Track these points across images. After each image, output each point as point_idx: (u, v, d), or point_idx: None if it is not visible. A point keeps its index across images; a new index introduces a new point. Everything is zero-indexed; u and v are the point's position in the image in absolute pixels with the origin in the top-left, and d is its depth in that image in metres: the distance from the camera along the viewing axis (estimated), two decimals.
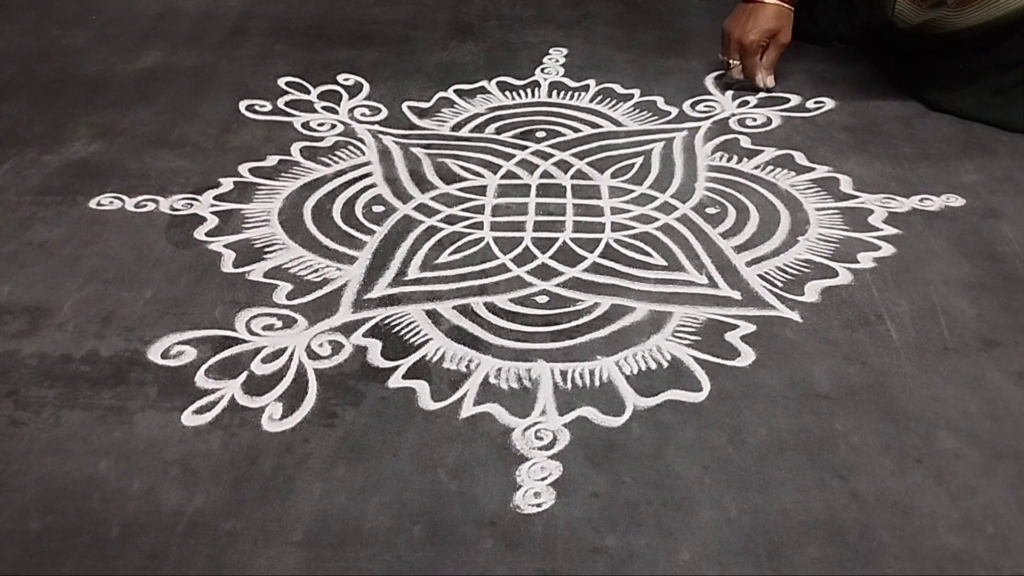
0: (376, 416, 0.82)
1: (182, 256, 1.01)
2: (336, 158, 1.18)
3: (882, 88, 1.30)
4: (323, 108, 1.28)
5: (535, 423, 0.81)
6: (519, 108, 1.28)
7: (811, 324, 0.91)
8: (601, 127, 1.24)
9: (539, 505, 0.74)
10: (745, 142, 1.20)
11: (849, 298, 0.94)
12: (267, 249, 1.02)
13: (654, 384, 0.84)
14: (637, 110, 1.27)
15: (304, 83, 1.33)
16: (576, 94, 1.31)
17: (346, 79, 1.34)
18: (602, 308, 0.93)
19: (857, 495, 0.74)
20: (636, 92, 1.31)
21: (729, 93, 1.31)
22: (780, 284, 0.96)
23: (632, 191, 1.11)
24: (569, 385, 0.85)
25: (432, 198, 1.10)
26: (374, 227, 1.05)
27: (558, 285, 0.97)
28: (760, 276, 0.98)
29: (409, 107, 1.28)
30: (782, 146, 1.19)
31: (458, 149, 1.19)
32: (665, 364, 0.87)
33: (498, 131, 1.23)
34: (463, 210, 1.08)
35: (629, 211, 1.08)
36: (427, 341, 0.89)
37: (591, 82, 1.34)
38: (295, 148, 1.19)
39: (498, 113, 1.27)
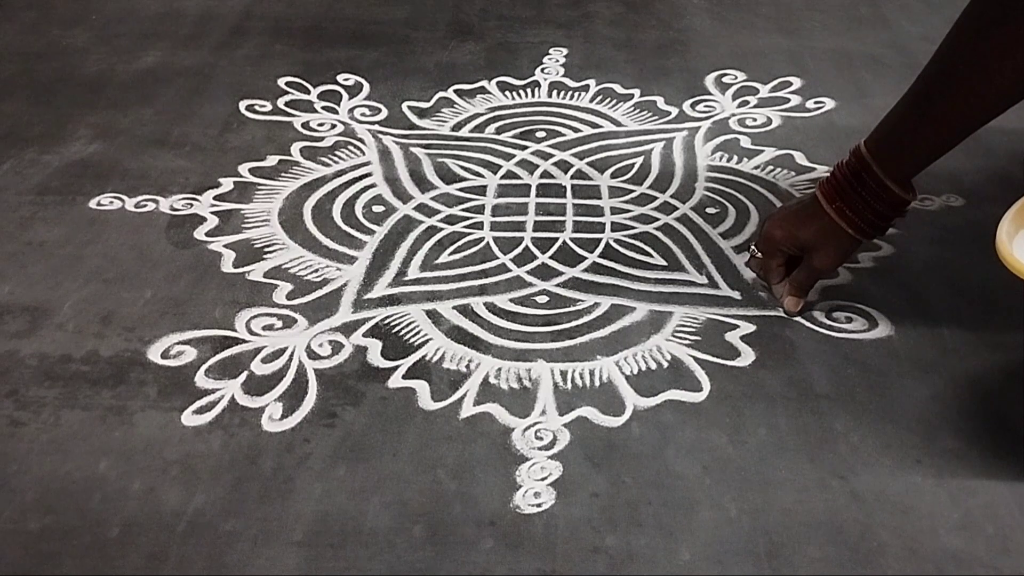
0: (376, 416, 0.82)
1: (182, 256, 1.01)
2: (336, 158, 1.17)
3: (881, 88, 1.30)
4: (323, 108, 1.28)
5: (535, 423, 0.81)
6: (519, 108, 1.28)
7: (811, 324, 0.91)
8: (601, 127, 1.24)
9: (539, 505, 0.74)
10: (745, 142, 1.20)
11: (849, 298, 0.94)
12: (267, 249, 1.02)
13: (654, 384, 0.84)
14: (637, 110, 1.27)
15: (304, 83, 1.33)
16: (576, 94, 1.31)
17: (346, 79, 1.34)
18: (602, 308, 0.93)
19: (857, 495, 0.74)
20: (636, 92, 1.31)
21: (729, 92, 1.31)
22: None
23: (632, 191, 1.11)
24: (569, 385, 0.85)
25: (432, 198, 1.10)
26: (374, 227, 1.05)
27: (558, 285, 0.97)
28: None
29: (409, 107, 1.28)
30: (782, 146, 1.19)
31: (458, 149, 1.19)
32: (665, 364, 0.87)
33: (498, 131, 1.23)
34: (463, 210, 1.08)
35: (629, 211, 1.08)
36: (427, 341, 0.89)
37: (591, 82, 1.34)
38: (295, 148, 1.19)
39: (498, 113, 1.27)
